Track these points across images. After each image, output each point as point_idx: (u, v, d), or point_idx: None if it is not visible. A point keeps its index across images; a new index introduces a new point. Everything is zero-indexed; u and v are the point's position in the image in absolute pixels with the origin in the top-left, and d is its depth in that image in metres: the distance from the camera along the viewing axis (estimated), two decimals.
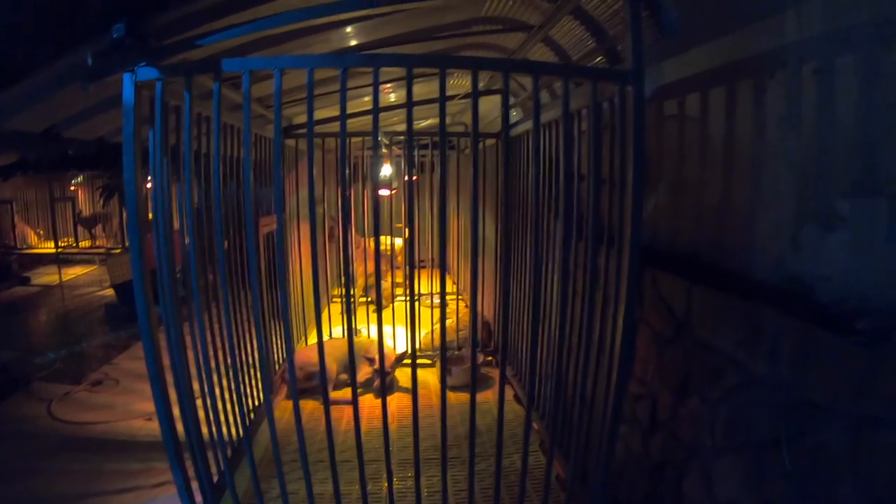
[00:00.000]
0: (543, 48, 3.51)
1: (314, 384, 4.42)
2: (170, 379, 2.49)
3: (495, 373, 5.10)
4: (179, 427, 2.71)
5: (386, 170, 5.97)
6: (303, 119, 4.91)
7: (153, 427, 5.42)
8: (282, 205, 2.26)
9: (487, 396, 4.54)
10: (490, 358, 5.42)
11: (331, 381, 4.43)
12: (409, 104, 2.20)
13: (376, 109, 2.18)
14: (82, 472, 4.71)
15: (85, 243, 11.85)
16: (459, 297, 7.22)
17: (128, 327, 8.41)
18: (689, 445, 2.37)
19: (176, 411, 2.72)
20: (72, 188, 12.01)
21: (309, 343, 5.60)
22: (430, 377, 5.16)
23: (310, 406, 4.30)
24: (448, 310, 6.15)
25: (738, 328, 2.07)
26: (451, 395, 4.65)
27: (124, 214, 11.21)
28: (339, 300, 7.65)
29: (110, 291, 10.47)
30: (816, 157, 1.84)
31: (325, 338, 5.82)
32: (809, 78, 1.83)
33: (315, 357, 4.42)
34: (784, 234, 1.95)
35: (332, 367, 4.41)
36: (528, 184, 3.60)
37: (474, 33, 3.57)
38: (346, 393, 4.51)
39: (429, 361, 5.31)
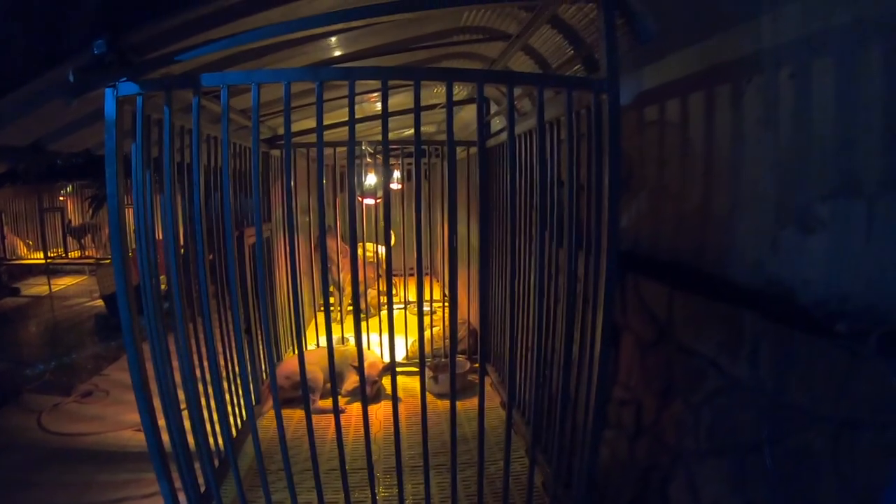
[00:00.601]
0: (524, 56, 3.54)
1: (299, 394, 4.42)
2: (155, 389, 2.48)
3: (476, 378, 5.13)
4: (166, 437, 2.72)
5: (371, 179, 6.00)
6: (298, 128, 4.96)
7: (143, 438, 5.39)
8: (261, 215, 2.29)
9: (474, 403, 4.54)
10: (476, 365, 5.42)
11: (318, 390, 4.44)
12: (385, 115, 2.24)
13: (352, 121, 2.22)
14: (74, 483, 4.71)
15: (74, 254, 11.79)
16: (446, 304, 7.20)
17: (117, 338, 8.38)
18: (673, 449, 2.37)
19: (163, 422, 2.73)
20: (61, 198, 11.96)
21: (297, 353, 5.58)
22: (417, 385, 5.15)
23: (298, 415, 4.31)
24: (435, 317, 6.24)
25: (719, 332, 2.08)
26: (438, 403, 4.67)
27: None
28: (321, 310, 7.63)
29: (100, 302, 10.45)
30: (794, 161, 1.84)
31: (313, 346, 5.83)
32: (786, 82, 1.84)
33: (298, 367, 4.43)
34: (763, 238, 1.95)
35: (318, 375, 4.43)
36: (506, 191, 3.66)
37: (455, 43, 3.60)
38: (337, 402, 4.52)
39: (416, 369, 5.30)
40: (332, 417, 4.30)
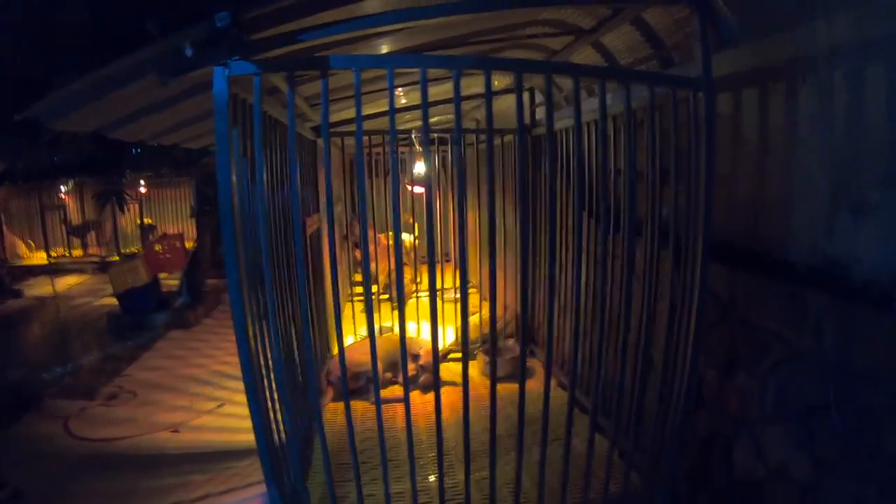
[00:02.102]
0: (588, 50, 3.47)
1: (360, 384, 4.28)
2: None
3: (534, 363, 5.02)
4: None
5: (420, 167, 5.82)
6: (337, 118, 4.79)
7: (181, 439, 5.26)
8: (366, 207, 2.13)
9: (531, 386, 4.45)
10: (527, 349, 5.33)
11: (378, 380, 4.28)
12: (458, 105, 2.16)
13: (426, 107, 2.14)
14: (114, 492, 4.53)
15: (77, 252, 11.46)
16: (476, 290, 7.11)
17: (133, 337, 8.19)
18: (738, 417, 2.55)
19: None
20: (61, 196, 11.57)
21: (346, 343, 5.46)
22: (471, 370, 5.06)
23: (359, 407, 4.17)
24: (474, 305, 6.11)
25: (782, 308, 2.27)
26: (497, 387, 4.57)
27: (119, 221, 10.94)
28: (356, 299, 7.50)
29: (109, 301, 10.19)
30: (848, 153, 2.02)
31: (350, 338, 5.69)
32: (840, 82, 2.01)
33: (359, 357, 4.29)
34: (819, 222, 2.12)
35: (378, 365, 4.26)
36: (570, 182, 3.61)
37: (521, 36, 3.49)
38: (393, 391, 4.37)
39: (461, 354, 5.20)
40: (394, 407, 4.21)
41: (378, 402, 2.48)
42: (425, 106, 2.15)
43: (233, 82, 1.99)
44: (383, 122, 5.45)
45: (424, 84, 2.10)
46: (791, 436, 2.25)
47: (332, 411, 4.21)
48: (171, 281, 9.77)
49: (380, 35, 2.73)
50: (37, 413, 5.98)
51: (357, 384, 4.34)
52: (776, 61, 2.29)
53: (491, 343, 2.63)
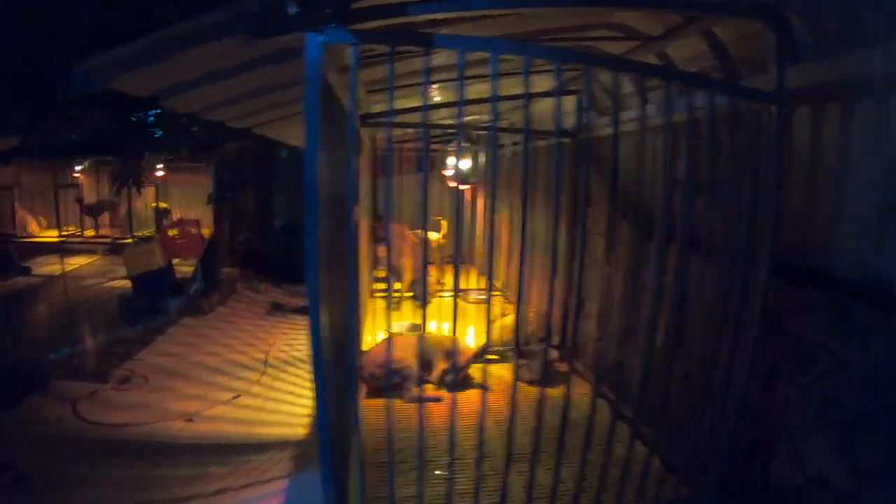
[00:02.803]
0: (651, 59, 3.45)
1: (395, 382, 4.06)
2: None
3: (565, 366, 4.88)
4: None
5: (464, 164, 5.61)
6: (380, 108, 4.64)
7: (196, 428, 5.00)
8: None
9: (564, 391, 4.26)
10: (559, 353, 5.13)
11: (413, 379, 4.05)
12: (559, 99, 2.18)
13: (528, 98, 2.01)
14: (125, 480, 4.28)
15: (89, 232, 11.21)
16: (499, 293, 6.93)
17: (145, 321, 7.94)
18: (778, 426, 2.62)
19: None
20: (76, 175, 11.31)
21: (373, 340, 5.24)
22: (503, 372, 4.84)
23: (394, 405, 3.93)
24: (500, 308, 5.91)
25: (828, 320, 2.36)
26: (529, 390, 4.35)
27: (133, 203, 10.72)
28: (377, 296, 7.29)
29: (119, 283, 9.96)
30: None
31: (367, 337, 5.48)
32: (894, 106, 2.11)
33: (393, 354, 4.07)
34: (867, 238, 2.23)
35: (411, 363, 4.03)
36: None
37: (586, 38, 3.44)
38: (425, 390, 4.21)
39: (496, 357, 5.03)
40: (428, 406, 4.00)
41: (420, 400, 2.36)
42: (528, 97, 2.13)
43: (326, 51, 1.84)
44: (415, 118, 5.33)
45: (526, 73, 2.01)
46: (832, 445, 2.32)
47: (365, 408, 3.97)
48: (184, 267, 9.54)
49: (460, 21, 2.66)
50: (44, 394, 5.72)
51: (392, 382, 4.13)
52: (834, 79, 2.38)
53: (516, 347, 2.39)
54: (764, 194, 2.42)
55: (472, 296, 6.95)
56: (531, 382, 4.49)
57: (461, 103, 2.04)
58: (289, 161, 11.32)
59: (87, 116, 10.22)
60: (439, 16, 2.39)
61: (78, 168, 11.28)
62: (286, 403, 5.58)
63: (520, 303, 3.76)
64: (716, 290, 2.62)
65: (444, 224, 7.62)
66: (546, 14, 2.90)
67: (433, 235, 7.25)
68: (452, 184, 5.95)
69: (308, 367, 6.49)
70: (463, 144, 5.67)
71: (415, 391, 4.02)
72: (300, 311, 8.94)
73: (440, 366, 4.33)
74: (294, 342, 7.42)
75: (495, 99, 2.36)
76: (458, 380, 4.31)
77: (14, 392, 5.58)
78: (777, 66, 2.35)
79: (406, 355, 4.11)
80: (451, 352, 4.23)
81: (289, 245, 11.55)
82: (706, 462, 2.67)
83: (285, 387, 5.98)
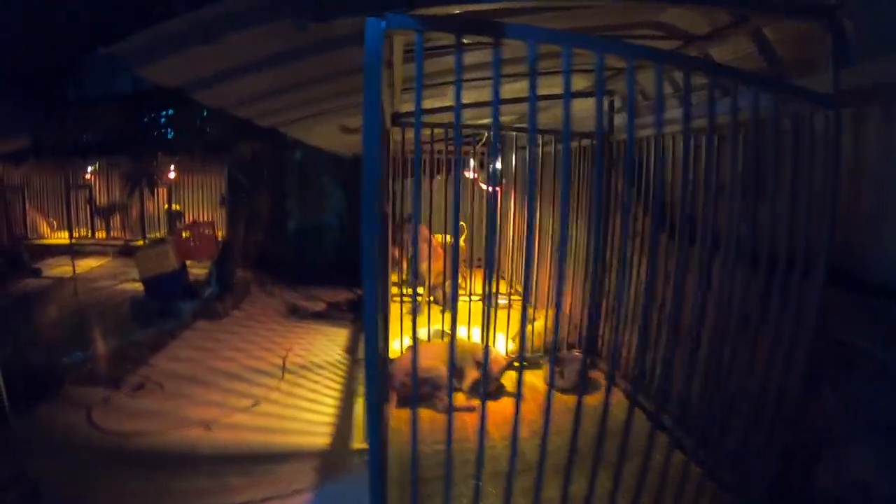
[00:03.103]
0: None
1: (425, 391, 3.87)
2: None
3: (597, 374, 4.84)
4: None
5: (496, 165, 5.44)
6: (409, 107, 4.51)
7: (216, 437, 4.81)
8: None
9: (596, 398, 4.08)
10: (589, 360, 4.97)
11: (445, 388, 3.87)
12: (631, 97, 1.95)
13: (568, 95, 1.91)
14: (142, 491, 4.11)
15: (100, 234, 11.07)
16: (516, 296, 6.74)
17: (158, 324, 7.77)
18: (819, 432, 2.61)
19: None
20: (87, 176, 11.17)
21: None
22: (534, 380, 4.65)
23: (425, 416, 3.75)
24: (536, 312, 5.72)
25: (872, 325, 2.33)
26: (563, 399, 4.18)
27: (147, 205, 10.59)
28: (398, 300, 7.10)
29: (130, 285, 9.81)
30: None
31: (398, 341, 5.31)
32: None
33: (423, 362, 3.91)
34: None
35: (443, 371, 3.85)
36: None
37: (632, 36, 3.32)
38: (455, 399, 4.03)
39: (526, 364, 4.86)
40: (462, 416, 3.82)
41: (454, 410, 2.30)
42: (568, 96, 1.89)
43: (386, 37, 1.71)
44: (439, 118, 5.18)
45: (600, 70, 1.92)
46: (875, 453, 2.31)
47: (396, 418, 3.80)
48: (197, 270, 9.37)
49: (503, 14, 2.55)
50: (57, 400, 5.56)
51: (422, 391, 3.94)
52: (878, 81, 2.37)
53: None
54: (817, 199, 2.38)
55: (494, 300, 6.75)
56: (564, 390, 4.33)
57: (532, 99, 1.88)
58: (303, 163, 11.20)
59: (98, 117, 10.11)
60: (483, 7, 2.28)
61: (89, 169, 11.16)
62: (306, 411, 5.39)
63: (558, 310, 3.58)
64: (765, 297, 2.55)
65: (464, 227, 7.43)
66: (592, 12, 2.81)
67: (450, 239, 7.06)
68: (483, 186, 5.75)
69: (327, 372, 6.35)
70: (496, 145, 5.50)
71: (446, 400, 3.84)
72: (317, 314, 8.79)
73: (471, 374, 4.15)
74: (311, 347, 7.24)
75: (532, 99, 2.22)
76: (491, 389, 4.13)
77: (27, 398, 5.42)
78: (833, 68, 2.34)
79: (436, 363, 3.92)
80: (483, 360, 4.04)
81: (302, 248, 11.41)
82: (749, 470, 2.62)
83: (305, 393, 5.79)
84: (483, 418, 2.30)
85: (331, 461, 4.54)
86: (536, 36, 1.81)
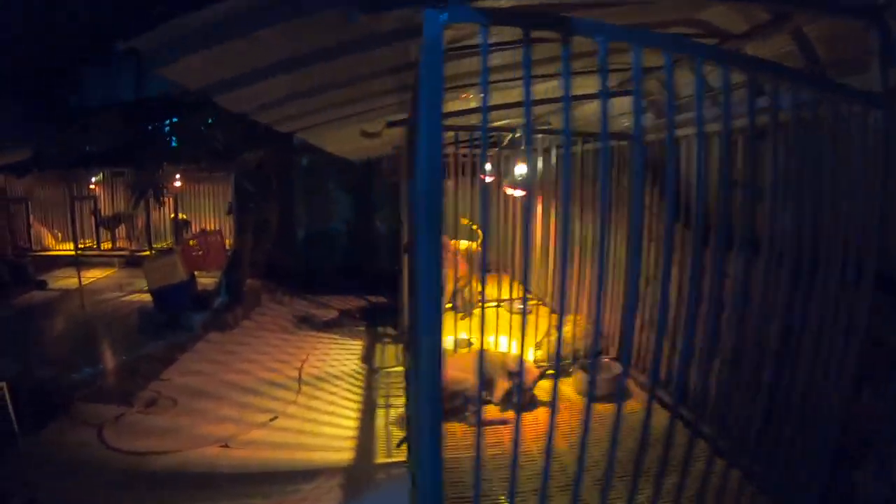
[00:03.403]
0: None
1: (456, 404, 3.66)
2: None
3: (629, 382, 4.50)
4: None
5: (520, 169, 5.25)
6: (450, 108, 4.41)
7: (235, 455, 4.61)
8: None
9: (633, 407, 3.89)
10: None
11: (474, 400, 3.67)
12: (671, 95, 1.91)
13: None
14: None
15: (105, 245, 10.87)
16: (537, 302, 6.56)
17: (167, 337, 7.58)
18: (863, 436, 2.54)
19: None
20: (91, 187, 10.97)
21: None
22: (565, 389, 4.46)
23: (458, 430, 3.56)
24: (549, 320, 5.54)
25: None
26: (597, 407, 3.99)
27: (152, 214, 10.40)
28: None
29: (137, 297, 9.63)
30: None
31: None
32: None
33: (452, 374, 3.70)
34: None
35: (472, 382, 3.64)
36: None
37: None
38: (487, 412, 3.81)
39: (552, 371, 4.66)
40: (496, 431, 3.62)
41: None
42: (605, 96, 1.78)
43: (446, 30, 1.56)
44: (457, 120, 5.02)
45: (670, 71, 1.81)
46: None
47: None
48: (204, 279, 9.17)
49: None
50: (66, 418, 5.36)
51: (452, 404, 3.73)
52: None
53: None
54: (864, 201, 2.33)
55: (515, 306, 6.55)
56: (598, 399, 4.14)
57: (605, 94, 1.75)
58: (309, 169, 11.04)
59: (100, 126, 9.94)
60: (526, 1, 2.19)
61: (93, 179, 10.97)
62: (326, 425, 5.20)
63: (598, 317, 3.39)
64: (814, 303, 2.46)
65: (479, 232, 7.25)
66: (629, 9, 2.74)
67: (463, 244, 6.89)
68: (510, 191, 5.56)
69: (344, 384, 6.14)
70: (519, 148, 5.33)
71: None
72: (329, 323, 8.59)
73: (501, 385, 3.93)
74: (326, 357, 7.04)
75: (567, 99, 2.08)
76: (526, 401, 3.92)
77: (36, 415, 5.23)
78: (881, 67, 2.31)
79: (465, 374, 3.72)
80: (516, 370, 3.85)
81: (310, 255, 11.23)
82: (796, 475, 2.55)
83: (323, 406, 5.60)
84: (517, 430, 2.11)
85: (355, 477, 4.35)
86: (609, 33, 1.67)
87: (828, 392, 2.44)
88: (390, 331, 8.27)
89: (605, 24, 1.74)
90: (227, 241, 9.93)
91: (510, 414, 3.89)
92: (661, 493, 2.17)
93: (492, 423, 3.64)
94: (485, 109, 1.66)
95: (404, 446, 4.42)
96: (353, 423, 5.22)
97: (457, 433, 3.49)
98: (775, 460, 2.65)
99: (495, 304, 7.06)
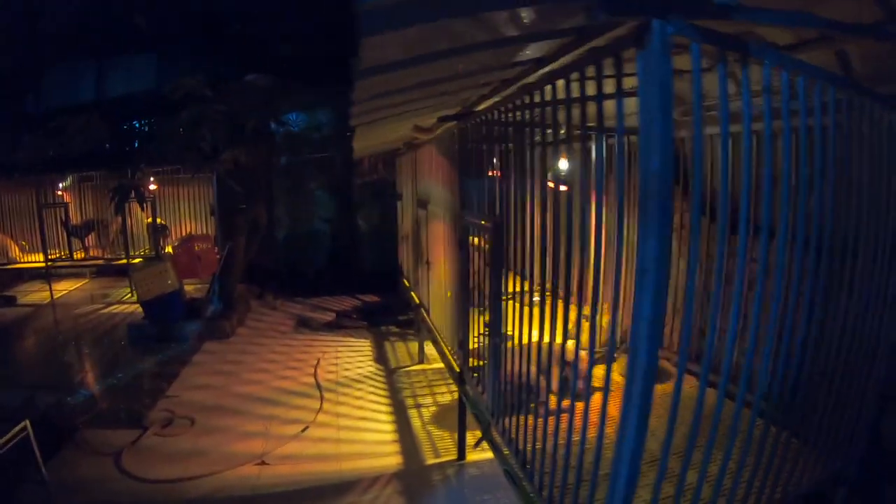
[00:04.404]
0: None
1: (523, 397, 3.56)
2: None
3: (665, 364, 4.43)
4: None
5: (563, 164, 5.12)
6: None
7: (274, 472, 4.36)
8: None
9: (670, 388, 3.88)
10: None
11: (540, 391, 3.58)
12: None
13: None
14: None
15: (78, 254, 10.20)
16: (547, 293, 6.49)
17: (161, 350, 7.17)
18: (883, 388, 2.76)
19: None
20: (58, 192, 10.20)
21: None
22: (613, 375, 4.40)
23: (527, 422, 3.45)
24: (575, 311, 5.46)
25: None
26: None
27: (129, 220, 9.76)
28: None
29: (118, 308, 9.12)
30: None
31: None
32: None
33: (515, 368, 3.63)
34: None
35: (534, 374, 3.54)
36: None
37: None
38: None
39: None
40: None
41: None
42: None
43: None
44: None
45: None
46: None
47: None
48: (189, 286, 8.70)
49: None
50: (75, 448, 4.93)
51: (521, 397, 3.63)
52: None
53: None
54: None
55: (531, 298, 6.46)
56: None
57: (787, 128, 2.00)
58: (289, 169, 10.68)
59: (66, 129, 9.28)
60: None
61: (61, 185, 10.23)
62: (361, 430, 5.00)
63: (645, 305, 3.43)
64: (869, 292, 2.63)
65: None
66: None
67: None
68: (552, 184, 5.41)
69: (366, 386, 5.91)
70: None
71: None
72: (329, 325, 8.31)
73: (556, 374, 3.86)
74: (338, 361, 6.80)
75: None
76: (582, 388, 3.84)
77: (41, 447, 4.80)
78: None
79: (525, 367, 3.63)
80: (570, 359, 3.78)
81: (292, 257, 10.84)
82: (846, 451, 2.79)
83: (352, 412, 5.39)
84: (585, 416, 2.51)
85: (411, 483, 4.18)
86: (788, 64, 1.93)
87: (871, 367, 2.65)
88: (394, 329, 8.07)
89: (788, 57, 2.02)
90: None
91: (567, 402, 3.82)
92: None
93: (559, 412, 3.54)
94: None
95: (483, 444, 4.26)
96: (388, 427, 5.04)
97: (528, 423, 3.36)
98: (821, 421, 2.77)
99: (565, 298, 6.94)
